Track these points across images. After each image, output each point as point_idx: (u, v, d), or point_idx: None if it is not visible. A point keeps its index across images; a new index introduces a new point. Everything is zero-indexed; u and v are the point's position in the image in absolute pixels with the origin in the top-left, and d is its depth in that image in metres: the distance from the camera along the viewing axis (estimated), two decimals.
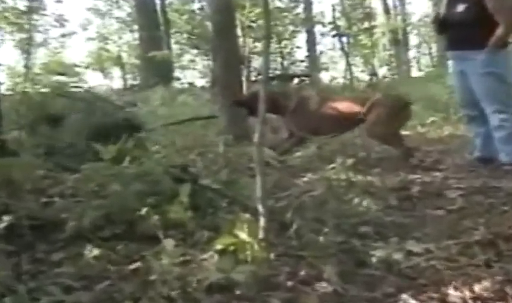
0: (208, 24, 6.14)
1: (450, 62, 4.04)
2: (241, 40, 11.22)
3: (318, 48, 16.89)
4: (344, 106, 4.35)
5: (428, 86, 8.95)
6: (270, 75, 14.87)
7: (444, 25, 3.88)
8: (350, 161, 3.18)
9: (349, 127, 4.42)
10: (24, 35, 16.71)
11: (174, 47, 16.46)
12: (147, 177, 2.44)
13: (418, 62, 22.61)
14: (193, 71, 18.54)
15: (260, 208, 2.01)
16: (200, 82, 16.66)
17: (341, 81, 13.70)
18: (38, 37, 18.23)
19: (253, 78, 13.73)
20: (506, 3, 3.59)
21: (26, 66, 15.88)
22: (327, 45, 18.89)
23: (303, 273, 1.89)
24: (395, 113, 4.20)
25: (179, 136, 5.22)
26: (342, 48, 12.72)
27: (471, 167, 3.83)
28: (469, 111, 3.93)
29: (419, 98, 7.20)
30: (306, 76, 15.58)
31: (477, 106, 3.79)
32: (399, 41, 17.39)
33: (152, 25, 13.86)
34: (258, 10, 10.67)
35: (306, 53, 16.77)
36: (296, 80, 15.13)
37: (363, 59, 18.10)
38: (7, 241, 1.99)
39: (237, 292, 1.72)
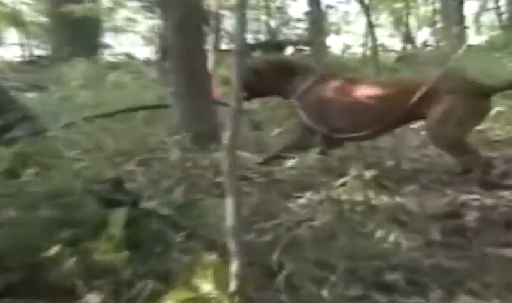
0: None
1: None
2: None
3: (324, 0, 16.96)
4: (383, 94, 4.22)
5: (491, 59, 9.02)
6: (250, 42, 14.95)
7: None
8: (370, 173, 3.21)
9: (388, 127, 4.29)
10: None
11: None
12: (60, 198, 2.44)
13: (476, 21, 22.79)
14: (132, 36, 18.52)
15: (233, 245, 2.03)
16: (143, 52, 16.69)
17: (359, 50, 13.80)
18: None
19: (224, 47, 13.79)
20: None
21: None
22: None
23: None
24: (475, 105, 3.99)
25: (110, 135, 5.20)
26: (361, 1, 12.77)
27: None
28: None
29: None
30: (305, 43, 15.65)
31: None
32: None
33: None
34: None
35: (306, 9, 16.83)
36: (289, 49, 15.21)
37: (392, 17, 18.26)
38: None
39: None
